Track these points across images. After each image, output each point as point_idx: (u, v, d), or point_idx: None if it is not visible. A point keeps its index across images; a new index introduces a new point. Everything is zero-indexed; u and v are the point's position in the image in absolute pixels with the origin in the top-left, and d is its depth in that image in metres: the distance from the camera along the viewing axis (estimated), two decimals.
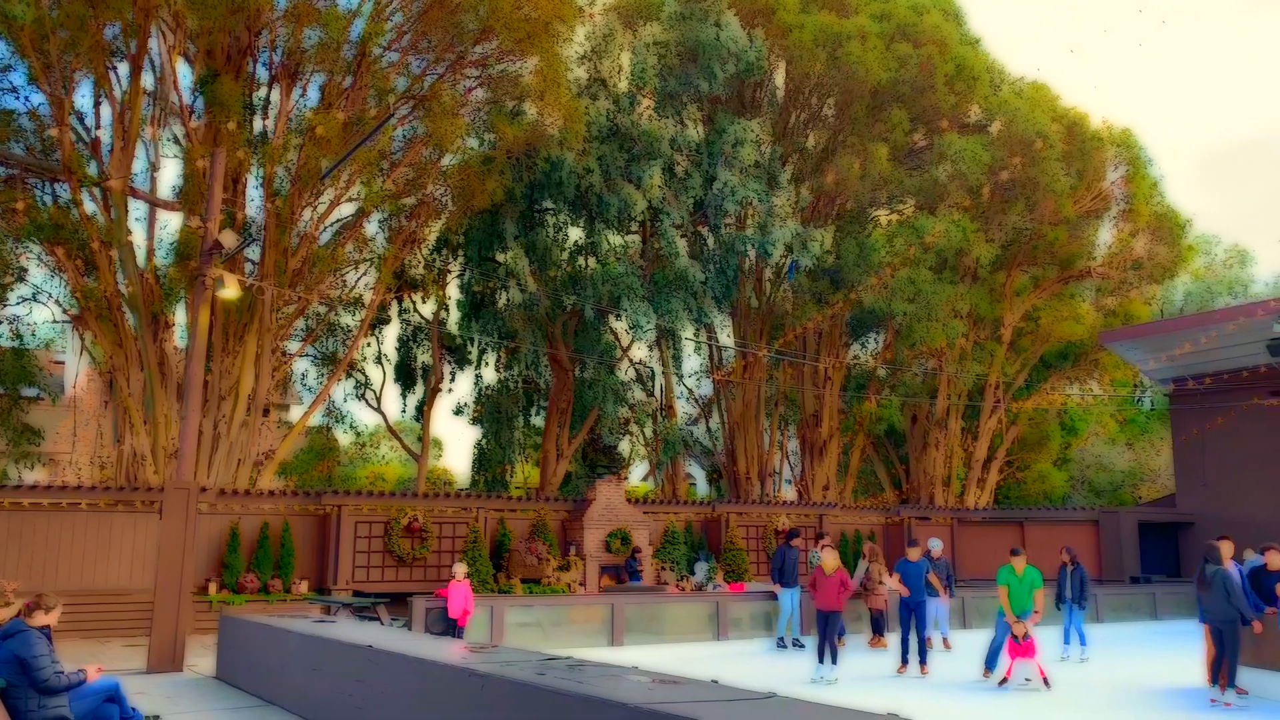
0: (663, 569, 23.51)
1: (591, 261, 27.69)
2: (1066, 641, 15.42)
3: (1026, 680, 12.18)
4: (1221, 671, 10.98)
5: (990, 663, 12.94)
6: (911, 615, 13.79)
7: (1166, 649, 16.29)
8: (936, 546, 16.62)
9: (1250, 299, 38.88)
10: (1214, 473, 27.43)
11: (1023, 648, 12.22)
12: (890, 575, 15.85)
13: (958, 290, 29.18)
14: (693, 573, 23.74)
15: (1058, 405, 35.12)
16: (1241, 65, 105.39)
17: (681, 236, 26.87)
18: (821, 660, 13.13)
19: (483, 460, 29.88)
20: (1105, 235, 32.75)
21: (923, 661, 13.62)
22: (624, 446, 32.96)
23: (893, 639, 17.25)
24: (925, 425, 33.23)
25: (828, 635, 13.22)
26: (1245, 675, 11.05)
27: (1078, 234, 31.22)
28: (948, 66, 28.29)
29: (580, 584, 22.02)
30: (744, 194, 26.04)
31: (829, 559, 13.51)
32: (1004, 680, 12.39)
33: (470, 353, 29.68)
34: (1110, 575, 26.59)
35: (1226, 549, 11.37)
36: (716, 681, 5.48)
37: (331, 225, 24.22)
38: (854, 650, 16.26)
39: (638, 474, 39.50)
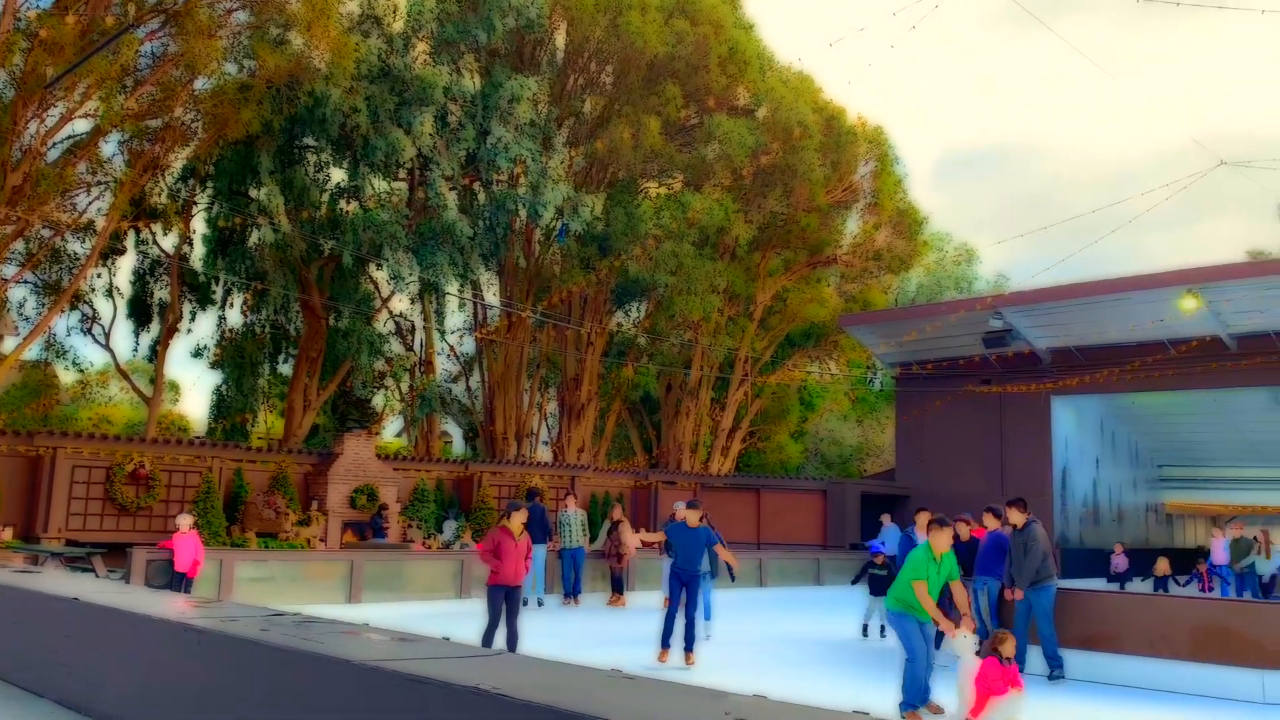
0: (410, 526, 23.15)
1: (353, 206, 26.63)
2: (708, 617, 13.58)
3: None
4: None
5: (917, 697, 8.51)
6: (684, 590, 11.19)
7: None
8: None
9: (972, 294, 42.74)
10: (930, 450, 30.04)
11: (1008, 674, 7.58)
12: (635, 535, 16.27)
13: (717, 267, 30.27)
14: (441, 531, 23.54)
15: (799, 381, 37.29)
16: (977, 78, 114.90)
17: (451, 189, 26.33)
18: (488, 645, 10.13)
19: (222, 407, 28.26)
20: (852, 226, 34.94)
21: (688, 648, 11.07)
22: (378, 400, 32.12)
23: (635, 598, 17.85)
24: (678, 394, 34.39)
25: (509, 616, 10.32)
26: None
27: (828, 222, 33.11)
28: (721, 48, 29.13)
29: (321, 540, 21.34)
30: (518, 151, 25.81)
31: (516, 521, 10.53)
32: None
33: (214, 292, 27.89)
34: (834, 542, 28.63)
35: (922, 520, 12.34)
36: (449, 639, 5.46)
37: (62, 141, 21.99)
38: (592, 610, 16.66)
39: (392, 430, 38.63)
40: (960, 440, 29.24)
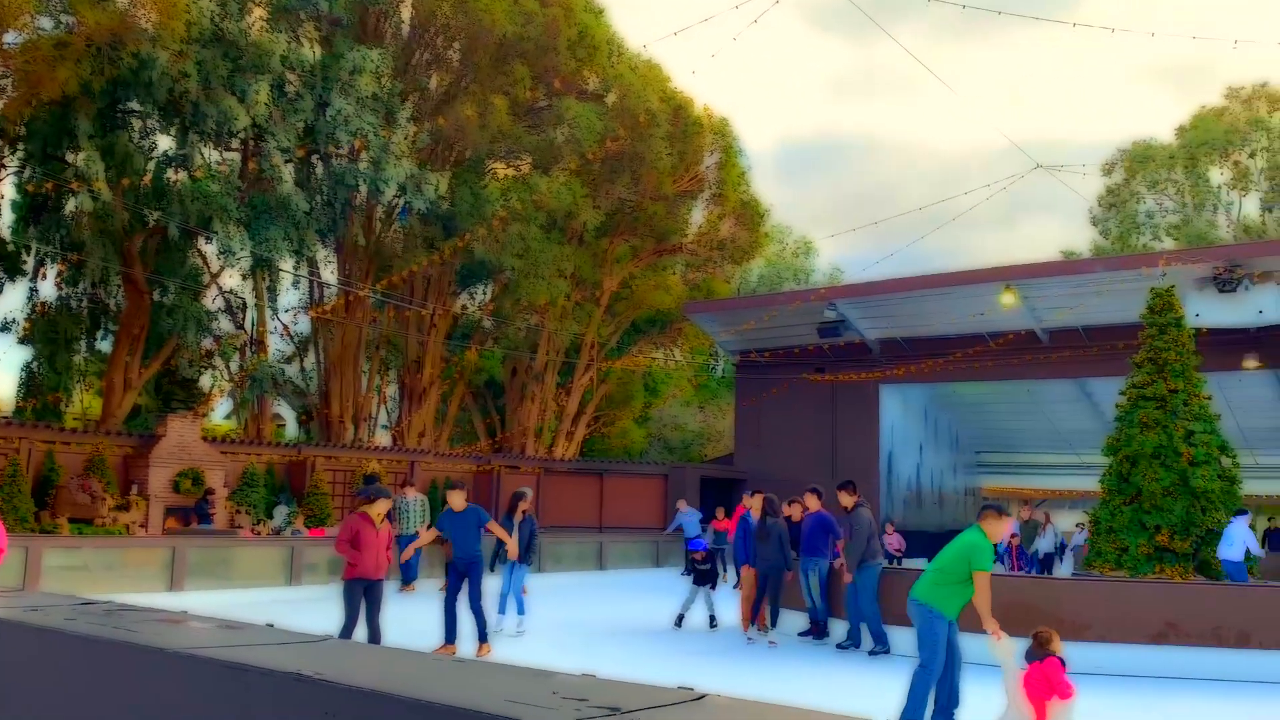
0: (238, 512, 22.25)
1: (181, 175, 25.31)
2: (503, 611, 12.54)
3: None
4: (762, 613, 12.36)
5: (921, 712, 7.38)
6: (463, 581, 10.72)
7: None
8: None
9: (809, 286, 44.15)
10: (767, 435, 30.92)
11: (1054, 674, 6.50)
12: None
13: (564, 251, 30.25)
14: (271, 516, 22.73)
15: (644, 367, 37.73)
16: (816, 75, 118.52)
17: (287, 161, 25.33)
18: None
19: (32, 385, 26.42)
20: (697, 215, 35.51)
21: (482, 639, 10.76)
22: (205, 381, 30.68)
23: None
24: (524, 378, 34.24)
25: (370, 613, 9.43)
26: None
27: (674, 211, 33.55)
28: (571, 31, 29.05)
29: (141, 526, 20.25)
30: (359, 125, 25.05)
31: (379, 508, 9.53)
32: None
33: (25, 262, 25.98)
34: None
35: (755, 502, 12.66)
36: (272, 625, 5.29)
37: None
38: (429, 597, 16.43)
39: (222, 411, 37.00)
40: (795, 426, 30.22)
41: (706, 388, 45.92)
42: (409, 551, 12.05)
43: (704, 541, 14.60)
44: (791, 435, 30.18)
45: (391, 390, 35.83)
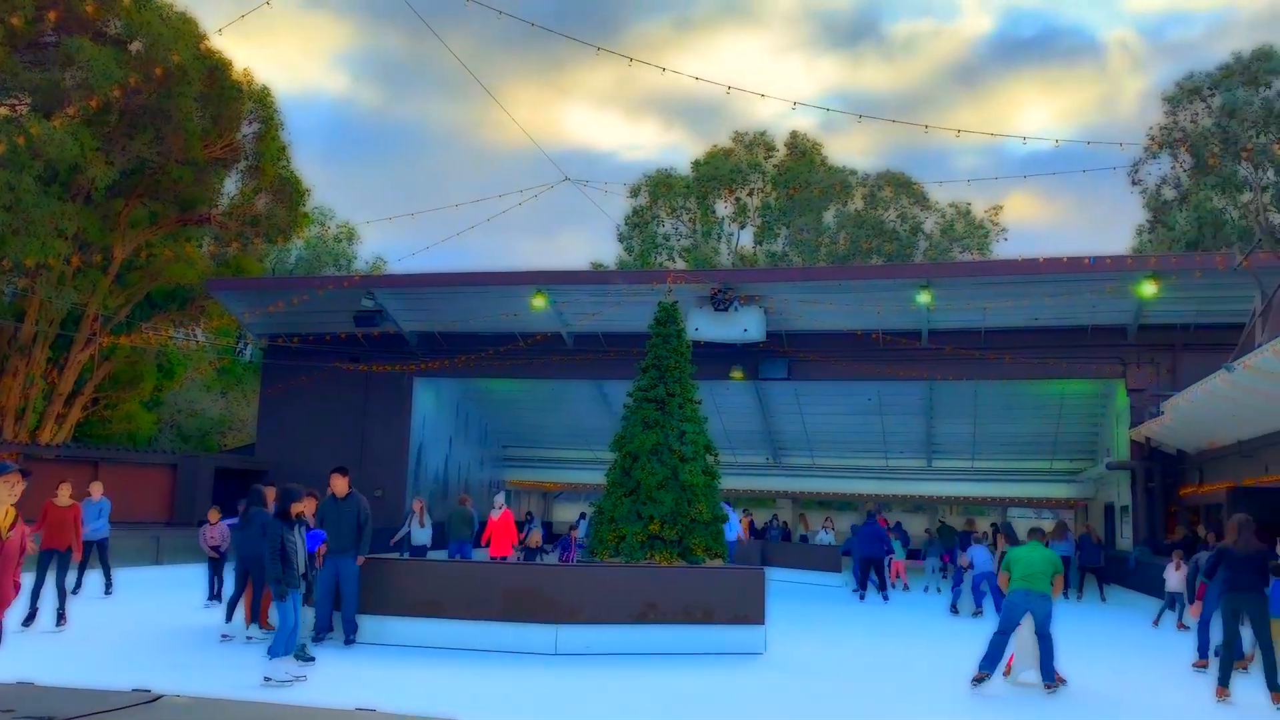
0: None
1: None
2: (289, 649, 9.67)
3: None
4: (263, 608, 11.76)
5: None
6: None
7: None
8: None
9: (351, 273, 43.18)
10: (294, 425, 29.73)
11: None
12: None
13: (66, 209, 26.69)
14: None
15: (157, 345, 34.43)
16: (363, 59, 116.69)
17: None
18: None
19: None
20: (231, 187, 33.18)
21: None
22: None
23: None
24: (6, 350, 29.68)
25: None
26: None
27: (204, 179, 31.04)
28: None
29: None
30: None
31: (6, 491, 6.50)
32: None
33: None
34: (182, 518, 26.99)
35: (270, 494, 12.16)
36: None
37: None
38: None
39: None
40: (324, 415, 29.41)
41: (230, 372, 43.05)
42: None
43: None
44: (320, 425, 29.32)
45: None
